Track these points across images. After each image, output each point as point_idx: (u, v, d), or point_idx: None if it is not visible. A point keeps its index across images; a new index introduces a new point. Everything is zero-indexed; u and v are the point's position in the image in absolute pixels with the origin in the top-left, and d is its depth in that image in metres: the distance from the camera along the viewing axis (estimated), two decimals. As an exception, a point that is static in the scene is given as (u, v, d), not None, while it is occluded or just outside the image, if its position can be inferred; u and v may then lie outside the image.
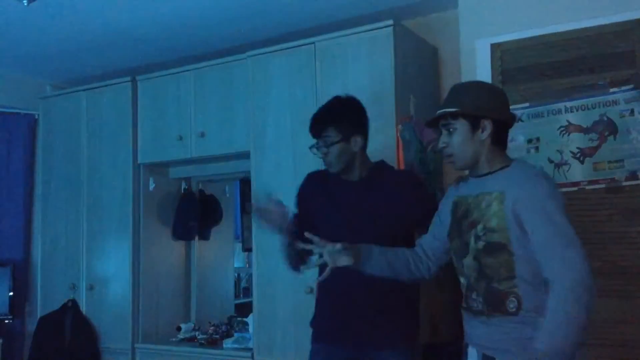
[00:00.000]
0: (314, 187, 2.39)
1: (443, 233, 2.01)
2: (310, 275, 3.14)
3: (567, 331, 1.63)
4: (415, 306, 2.35)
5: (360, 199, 2.25)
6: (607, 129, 2.64)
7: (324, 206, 2.32)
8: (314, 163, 3.17)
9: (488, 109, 1.85)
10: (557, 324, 1.64)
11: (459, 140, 1.87)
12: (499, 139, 1.88)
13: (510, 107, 2.76)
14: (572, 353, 1.65)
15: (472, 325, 1.89)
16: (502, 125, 1.89)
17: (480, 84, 2.02)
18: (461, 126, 1.86)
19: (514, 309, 1.76)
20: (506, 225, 1.76)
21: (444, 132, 1.92)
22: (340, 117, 2.24)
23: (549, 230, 1.71)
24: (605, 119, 2.64)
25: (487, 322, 1.82)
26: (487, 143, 1.86)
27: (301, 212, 2.40)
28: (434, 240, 2.07)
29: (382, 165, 2.37)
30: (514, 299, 1.76)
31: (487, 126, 1.85)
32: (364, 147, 2.29)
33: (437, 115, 1.91)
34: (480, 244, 1.81)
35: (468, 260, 1.86)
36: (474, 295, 1.86)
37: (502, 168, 1.87)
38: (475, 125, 1.85)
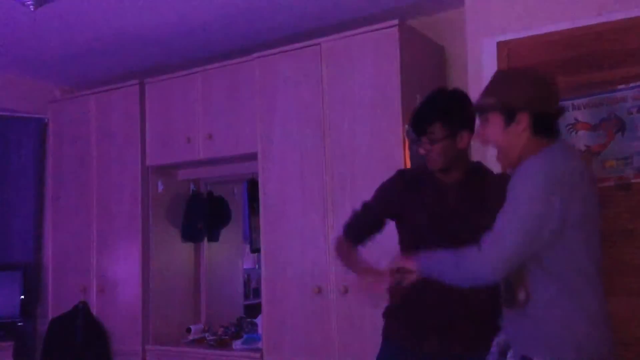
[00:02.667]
0: (405, 184, 2.20)
1: None
2: (319, 275, 3.15)
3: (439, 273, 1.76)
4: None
5: (456, 202, 2.09)
6: (615, 126, 2.62)
7: (414, 207, 2.15)
8: (321, 164, 3.19)
9: (524, 100, 1.72)
10: (442, 264, 1.75)
11: (492, 132, 1.77)
12: (541, 131, 1.73)
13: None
14: None
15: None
16: (543, 117, 1.74)
17: (523, 73, 1.86)
18: (494, 118, 1.76)
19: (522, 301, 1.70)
20: None
21: (480, 123, 1.84)
22: (447, 112, 2.07)
23: (505, 210, 1.67)
24: (613, 116, 2.63)
25: (505, 316, 1.79)
26: (524, 136, 1.74)
27: (379, 206, 2.24)
28: None
29: (479, 167, 2.21)
30: (523, 290, 1.70)
31: (522, 120, 1.73)
32: (468, 143, 2.12)
33: (474, 106, 1.86)
34: None
35: None
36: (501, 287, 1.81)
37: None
38: (509, 118, 1.74)
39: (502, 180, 2.07)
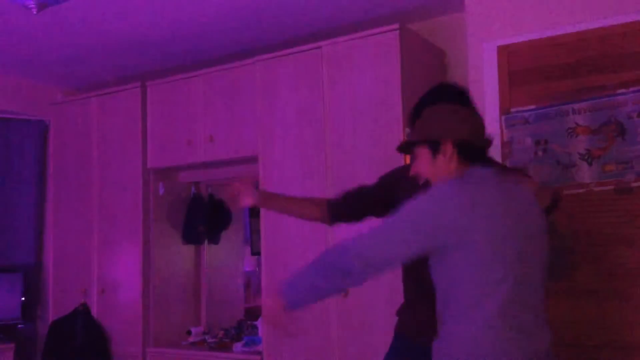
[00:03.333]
0: (403, 176, 2.15)
1: None
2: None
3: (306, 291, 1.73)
4: None
5: None
6: (615, 130, 2.63)
7: (402, 201, 2.17)
8: (321, 167, 3.20)
9: (447, 130, 1.74)
10: (304, 279, 1.73)
11: (422, 165, 1.79)
12: (469, 157, 1.74)
13: (518, 109, 2.84)
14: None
15: None
16: (467, 146, 1.74)
17: (448, 107, 1.85)
18: (423, 151, 1.78)
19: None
20: None
21: (412, 158, 1.86)
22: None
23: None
24: (613, 120, 2.63)
25: None
26: (452, 164, 1.74)
27: (378, 191, 2.22)
28: None
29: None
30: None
31: (447, 150, 1.73)
32: None
33: (403, 143, 1.87)
34: None
35: None
36: None
37: None
38: (435, 150, 1.75)
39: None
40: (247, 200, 2.25)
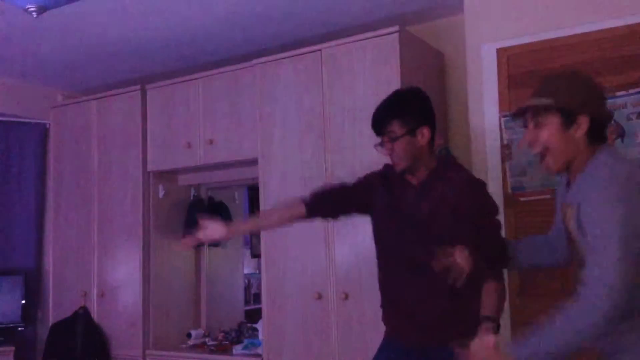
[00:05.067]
0: (383, 180, 2.18)
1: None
2: (319, 280, 3.15)
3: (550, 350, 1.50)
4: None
5: (417, 205, 2.07)
6: (615, 132, 2.63)
7: (383, 208, 2.16)
8: (321, 169, 3.20)
9: (585, 103, 1.63)
10: (543, 344, 1.51)
11: (548, 136, 1.65)
12: (595, 137, 1.64)
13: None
14: None
15: None
16: (600, 121, 1.66)
17: (576, 75, 1.76)
18: (552, 121, 1.64)
19: None
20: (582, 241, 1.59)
21: (530, 126, 1.69)
22: (403, 109, 2.06)
23: (592, 238, 1.52)
24: (612, 122, 2.63)
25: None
26: (581, 141, 1.63)
27: (355, 193, 2.23)
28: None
29: (446, 165, 2.14)
30: None
31: (583, 123, 1.62)
32: (430, 140, 2.08)
33: (526, 107, 1.69)
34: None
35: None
36: None
37: (582, 172, 1.64)
38: (569, 121, 1.62)
39: (469, 182, 2.09)
40: (217, 234, 2.26)
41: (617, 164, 1.59)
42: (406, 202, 2.10)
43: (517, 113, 1.73)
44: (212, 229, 2.24)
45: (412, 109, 2.07)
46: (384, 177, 2.19)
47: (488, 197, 2.11)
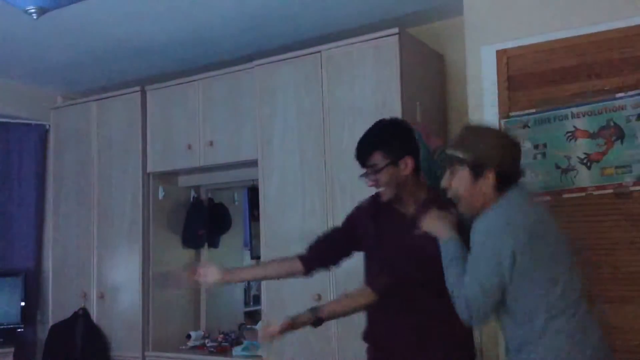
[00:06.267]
0: (372, 210, 2.22)
1: None
2: (320, 282, 3.15)
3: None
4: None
5: (405, 238, 2.09)
6: (614, 134, 2.63)
7: (371, 238, 2.20)
8: (321, 171, 3.20)
9: (493, 158, 1.85)
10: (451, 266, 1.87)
11: (459, 185, 1.89)
12: (504, 186, 1.87)
13: (517, 113, 2.84)
14: None
15: None
16: (508, 175, 1.88)
17: (490, 131, 2.01)
18: (463, 172, 1.88)
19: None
20: None
21: (447, 172, 1.93)
22: (385, 140, 2.11)
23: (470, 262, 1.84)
24: (612, 124, 2.64)
25: None
26: (489, 191, 1.87)
27: (346, 232, 2.31)
28: None
29: (436, 200, 2.12)
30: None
31: (490, 177, 1.85)
32: (415, 169, 2.12)
33: (443, 155, 1.94)
34: None
35: None
36: None
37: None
38: (477, 174, 1.86)
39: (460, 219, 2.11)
40: (213, 278, 2.28)
41: (500, 209, 1.83)
42: (392, 234, 2.14)
43: (441, 158, 2.00)
44: (210, 273, 2.27)
45: (394, 140, 2.12)
46: (374, 207, 2.22)
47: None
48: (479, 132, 1.97)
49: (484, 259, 1.77)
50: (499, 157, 1.86)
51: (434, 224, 1.97)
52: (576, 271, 1.84)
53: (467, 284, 1.79)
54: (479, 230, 1.80)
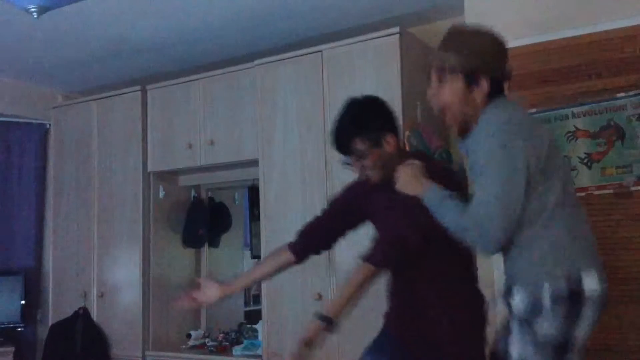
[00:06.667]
0: (364, 188, 2.10)
1: None
2: (320, 282, 3.15)
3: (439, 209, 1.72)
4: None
5: (395, 205, 1.97)
6: (615, 134, 2.63)
7: (371, 213, 2.12)
8: (322, 170, 3.20)
9: (487, 64, 1.70)
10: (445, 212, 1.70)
11: (450, 96, 1.72)
12: (494, 93, 1.72)
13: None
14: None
15: None
16: (500, 80, 1.74)
17: (481, 34, 1.77)
18: (455, 81, 1.71)
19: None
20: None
21: (434, 78, 1.75)
22: (362, 124, 1.97)
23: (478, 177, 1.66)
24: (612, 124, 2.64)
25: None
26: (480, 100, 1.70)
27: (339, 211, 2.20)
28: None
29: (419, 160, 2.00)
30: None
31: (484, 85, 1.70)
32: (398, 143, 2.02)
33: (431, 62, 1.76)
34: None
35: None
36: None
37: (476, 123, 1.74)
38: (471, 83, 1.70)
39: (444, 171, 2.09)
40: (213, 297, 2.22)
41: (502, 112, 1.67)
42: (386, 201, 2.02)
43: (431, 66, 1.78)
44: (207, 292, 2.22)
45: (371, 121, 1.98)
46: (366, 185, 2.09)
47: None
48: (470, 33, 1.77)
49: (498, 166, 1.58)
50: (493, 64, 1.71)
51: (407, 183, 1.81)
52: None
53: (480, 202, 1.59)
54: (485, 137, 1.63)
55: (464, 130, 1.78)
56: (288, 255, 2.19)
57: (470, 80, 1.69)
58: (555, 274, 1.61)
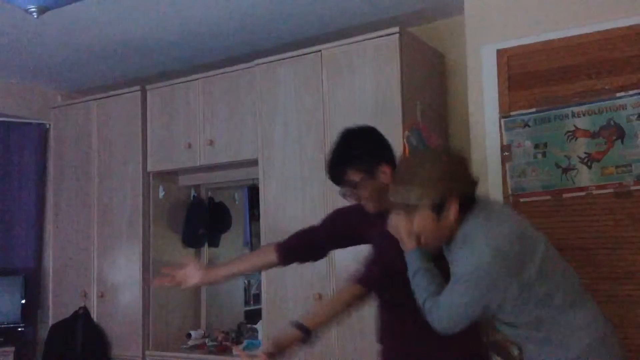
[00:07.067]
0: (358, 213, 2.04)
1: None
2: (319, 281, 3.15)
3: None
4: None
5: (380, 230, 1.94)
6: (615, 133, 2.63)
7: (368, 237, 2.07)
8: (321, 170, 3.20)
9: (452, 189, 1.65)
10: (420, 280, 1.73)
11: (422, 228, 1.69)
12: (467, 205, 1.69)
13: (518, 112, 2.84)
14: None
15: None
16: (468, 194, 1.70)
17: (438, 157, 1.76)
18: (423, 215, 1.67)
19: None
20: None
21: (400, 214, 1.72)
22: (355, 154, 1.92)
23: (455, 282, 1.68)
24: (612, 123, 2.64)
25: None
26: (453, 219, 1.67)
27: (329, 232, 2.18)
28: None
29: None
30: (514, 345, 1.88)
31: (453, 206, 1.65)
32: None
33: (394, 203, 1.73)
34: None
35: None
36: None
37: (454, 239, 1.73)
38: (439, 211, 1.66)
39: None
40: (193, 280, 2.18)
41: (487, 236, 1.64)
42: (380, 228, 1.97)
43: (391, 206, 1.76)
44: (189, 274, 2.17)
45: (364, 152, 1.92)
46: (361, 210, 2.03)
47: None
48: (422, 162, 1.74)
49: (473, 288, 1.62)
50: (457, 184, 1.66)
51: (398, 232, 1.76)
52: (570, 271, 1.75)
53: (443, 304, 1.67)
54: (468, 264, 1.64)
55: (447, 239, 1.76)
56: (273, 257, 2.16)
57: (438, 209, 1.66)
58: None
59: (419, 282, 1.72)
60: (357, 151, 1.93)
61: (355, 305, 1.90)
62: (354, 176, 1.91)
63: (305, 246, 2.18)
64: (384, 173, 1.91)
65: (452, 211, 1.65)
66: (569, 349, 1.66)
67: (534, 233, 1.71)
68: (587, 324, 1.69)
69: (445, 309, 1.66)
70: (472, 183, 1.72)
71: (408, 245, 1.74)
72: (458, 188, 1.66)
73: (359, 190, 1.93)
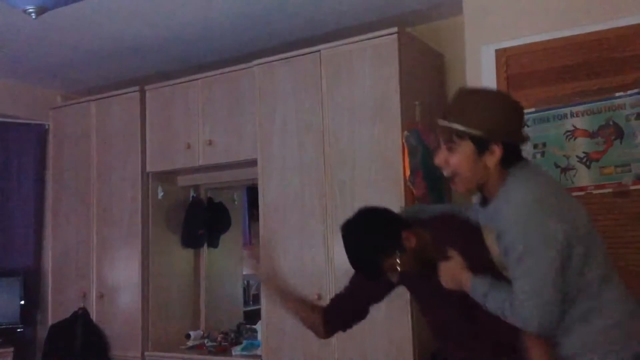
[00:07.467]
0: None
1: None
2: (319, 281, 3.15)
3: (484, 297, 1.61)
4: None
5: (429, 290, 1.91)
6: (614, 133, 2.64)
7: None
8: (320, 170, 3.20)
9: (499, 130, 1.58)
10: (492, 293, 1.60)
11: (459, 162, 1.61)
12: (509, 161, 1.61)
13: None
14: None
15: None
16: (515, 147, 1.63)
17: (493, 96, 1.69)
18: (464, 148, 1.60)
19: None
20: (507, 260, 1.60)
21: (443, 147, 1.65)
22: (377, 245, 1.84)
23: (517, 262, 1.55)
24: (611, 123, 2.64)
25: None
26: (493, 167, 1.60)
27: (372, 288, 2.09)
28: None
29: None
30: None
31: (496, 151, 1.58)
32: (418, 241, 1.86)
33: (440, 127, 1.65)
34: None
35: None
36: None
37: (497, 197, 1.62)
38: (481, 149, 1.59)
39: (464, 226, 1.89)
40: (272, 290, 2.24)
41: (529, 188, 1.57)
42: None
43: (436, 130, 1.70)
44: (263, 266, 2.23)
45: (386, 238, 1.84)
46: None
47: None
48: (481, 97, 1.66)
49: (536, 258, 1.50)
50: (506, 128, 1.59)
51: (451, 279, 1.69)
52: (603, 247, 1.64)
53: (520, 299, 1.52)
54: (515, 218, 1.52)
55: (483, 199, 1.69)
56: (321, 329, 2.17)
57: (480, 146, 1.58)
58: (621, 343, 1.58)
59: (495, 298, 1.59)
60: (376, 242, 1.84)
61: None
62: (380, 262, 1.84)
63: (350, 315, 2.14)
64: (408, 239, 1.82)
65: (495, 155, 1.58)
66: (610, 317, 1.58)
67: (574, 199, 1.66)
68: (624, 295, 1.64)
69: (528, 294, 1.51)
70: (522, 137, 1.65)
71: (464, 279, 1.66)
72: (507, 134, 1.59)
73: (388, 272, 1.87)
